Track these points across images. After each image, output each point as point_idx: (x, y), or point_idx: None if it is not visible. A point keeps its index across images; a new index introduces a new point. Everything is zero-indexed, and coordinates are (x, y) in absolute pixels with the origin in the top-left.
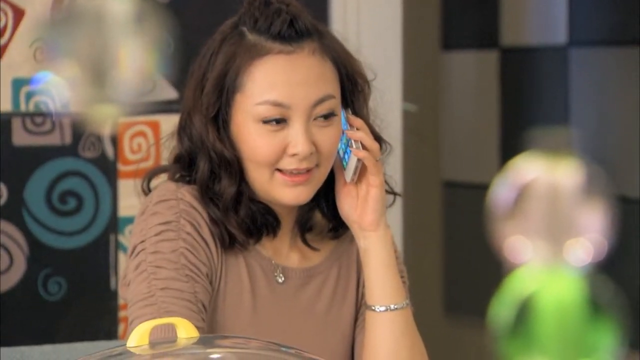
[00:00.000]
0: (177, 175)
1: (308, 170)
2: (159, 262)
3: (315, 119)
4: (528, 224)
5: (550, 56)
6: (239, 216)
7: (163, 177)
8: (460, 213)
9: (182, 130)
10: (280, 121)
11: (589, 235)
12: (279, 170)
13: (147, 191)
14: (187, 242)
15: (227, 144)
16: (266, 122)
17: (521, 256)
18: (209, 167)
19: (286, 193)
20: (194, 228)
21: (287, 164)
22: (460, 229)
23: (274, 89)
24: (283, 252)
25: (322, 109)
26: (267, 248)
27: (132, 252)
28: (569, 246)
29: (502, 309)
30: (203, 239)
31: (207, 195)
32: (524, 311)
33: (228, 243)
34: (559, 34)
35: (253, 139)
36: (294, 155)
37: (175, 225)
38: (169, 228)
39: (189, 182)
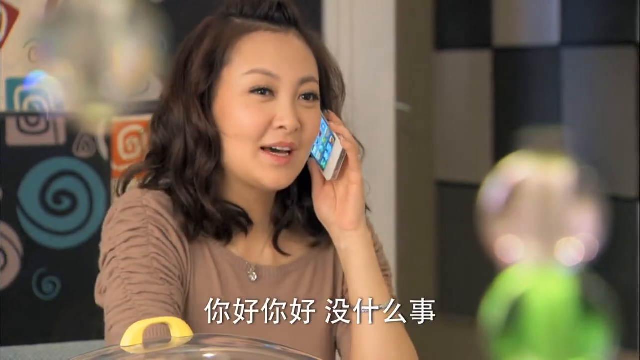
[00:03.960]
0: (148, 180)
1: (290, 152)
2: (132, 268)
3: (299, 98)
4: (520, 223)
5: (542, 56)
6: (211, 196)
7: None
8: (453, 212)
9: (158, 119)
10: (267, 91)
11: (581, 235)
12: (263, 148)
13: (121, 194)
14: (157, 247)
15: (210, 122)
16: (253, 91)
17: (513, 255)
18: (184, 151)
19: (267, 175)
20: (162, 233)
21: (272, 137)
22: (453, 228)
23: (264, 58)
24: (257, 250)
25: (308, 87)
26: (238, 247)
27: (104, 261)
28: (560, 246)
29: (493, 308)
30: (172, 243)
31: (181, 181)
32: (516, 310)
33: (193, 233)
34: (551, 34)
35: (239, 111)
36: (280, 127)
37: (144, 231)
38: (138, 234)
39: (156, 183)
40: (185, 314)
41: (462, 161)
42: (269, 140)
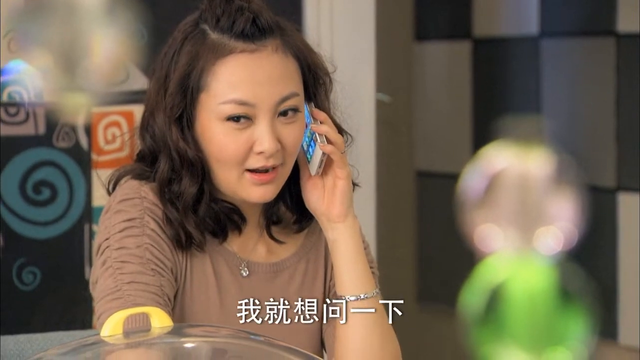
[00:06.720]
0: (139, 172)
1: (274, 168)
2: (125, 258)
3: (279, 116)
4: (499, 212)
5: (522, 47)
6: (197, 216)
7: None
8: (433, 203)
9: (144, 128)
10: (244, 118)
11: (560, 224)
12: (248, 170)
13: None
14: (152, 238)
15: (190, 144)
16: (230, 118)
17: (492, 245)
18: (170, 166)
19: (253, 192)
20: (158, 225)
21: (255, 162)
22: (433, 218)
23: (239, 87)
24: (249, 246)
25: (286, 106)
26: (232, 243)
27: (98, 251)
28: (539, 235)
29: (473, 297)
30: (167, 236)
31: (166, 195)
32: (495, 299)
33: (184, 244)
34: (530, 25)
35: (219, 138)
36: (260, 153)
37: (140, 222)
38: (134, 224)
39: (152, 180)
40: (181, 307)
41: (443, 151)
42: (252, 164)
